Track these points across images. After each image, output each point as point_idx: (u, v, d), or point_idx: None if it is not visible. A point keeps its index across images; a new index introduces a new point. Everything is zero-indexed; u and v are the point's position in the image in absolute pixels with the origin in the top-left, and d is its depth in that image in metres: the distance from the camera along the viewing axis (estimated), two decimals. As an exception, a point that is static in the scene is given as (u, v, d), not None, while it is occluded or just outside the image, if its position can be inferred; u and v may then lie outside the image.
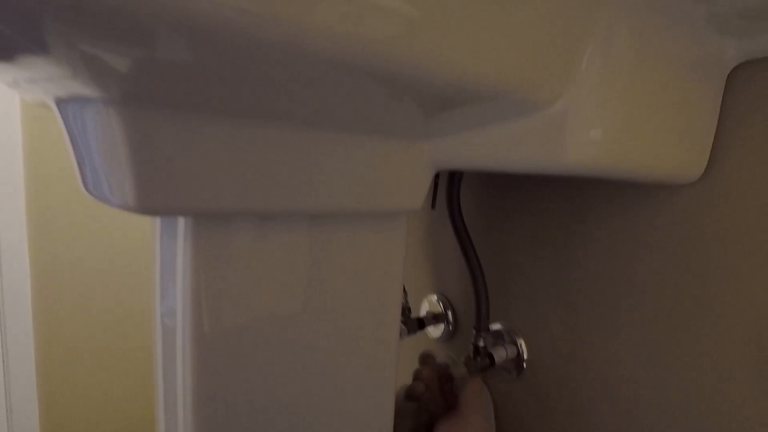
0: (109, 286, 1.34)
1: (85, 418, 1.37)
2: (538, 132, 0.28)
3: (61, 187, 1.24)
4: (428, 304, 0.68)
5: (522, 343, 0.55)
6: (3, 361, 1.18)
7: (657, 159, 0.33)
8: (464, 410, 0.43)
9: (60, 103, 0.28)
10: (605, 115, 0.29)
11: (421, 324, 0.64)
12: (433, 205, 0.56)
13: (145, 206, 0.24)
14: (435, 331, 0.67)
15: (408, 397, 0.45)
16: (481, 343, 0.52)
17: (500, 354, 0.54)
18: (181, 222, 0.29)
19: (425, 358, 0.50)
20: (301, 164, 0.28)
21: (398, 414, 0.49)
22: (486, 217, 0.58)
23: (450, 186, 0.52)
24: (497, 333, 0.57)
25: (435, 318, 0.65)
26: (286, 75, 0.21)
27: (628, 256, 0.44)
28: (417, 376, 0.47)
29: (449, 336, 0.65)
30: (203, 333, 0.30)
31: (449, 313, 0.65)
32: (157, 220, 0.35)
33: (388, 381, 0.40)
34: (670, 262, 0.41)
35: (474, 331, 0.53)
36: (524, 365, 0.54)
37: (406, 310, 0.63)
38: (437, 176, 0.55)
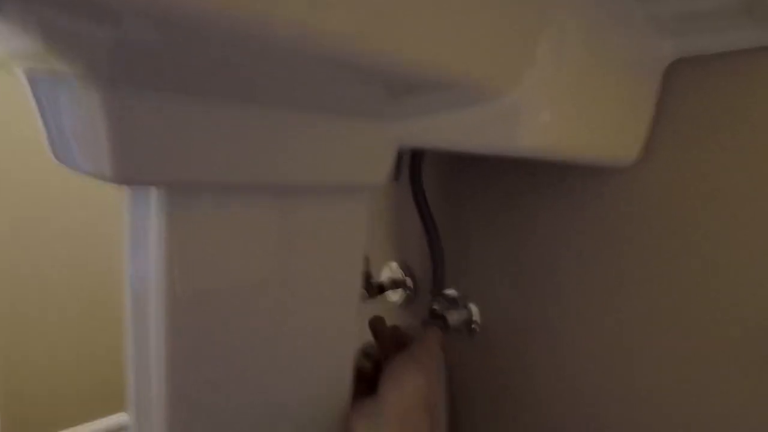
0: (68, 252, 1.30)
1: (46, 385, 1.35)
2: (493, 119, 0.31)
3: (18, 151, 1.18)
4: (389, 270, 0.71)
5: (474, 307, 0.59)
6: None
7: (598, 145, 0.37)
8: (417, 351, 0.44)
9: (29, 72, 0.28)
10: (554, 104, 0.32)
11: (381, 289, 0.68)
12: (396, 177, 0.58)
13: (121, 176, 0.25)
14: (394, 295, 0.71)
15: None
16: (436, 307, 0.57)
17: (453, 317, 0.59)
18: (154, 191, 0.30)
19: (375, 322, 0.51)
20: (271, 141, 0.30)
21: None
22: (446, 189, 0.61)
23: (413, 160, 0.54)
24: (451, 298, 0.61)
25: (395, 284, 0.69)
26: (253, 61, 0.22)
27: (571, 232, 0.48)
28: (374, 334, 0.50)
29: (408, 301, 0.70)
30: (175, 298, 0.32)
31: (408, 279, 0.69)
32: (127, 188, 0.36)
33: (349, 341, 0.44)
34: (608, 237, 0.46)
35: (430, 296, 0.57)
36: (476, 328, 0.59)
37: (367, 276, 0.66)
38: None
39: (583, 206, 0.47)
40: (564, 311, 0.50)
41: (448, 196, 0.61)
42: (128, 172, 0.25)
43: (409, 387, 0.39)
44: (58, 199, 1.27)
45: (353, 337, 0.43)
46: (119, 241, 0.39)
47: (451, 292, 0.61)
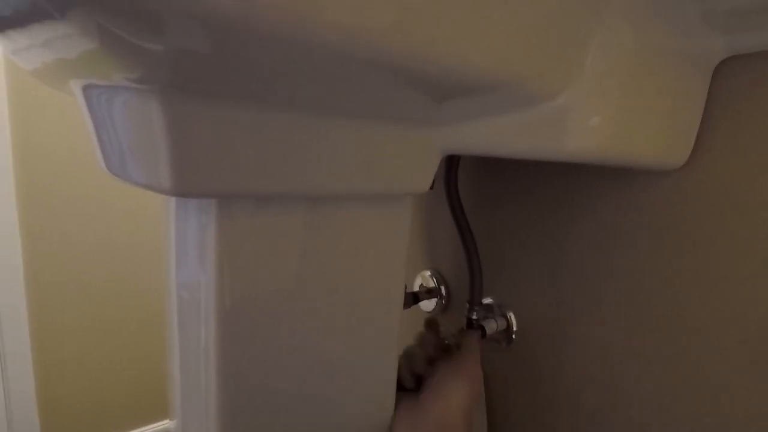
0: (101, 259, 1.33)
1: (85, 395, 1.38)
2: (541, 122, 0.30)
3: (51, 159, 1.22)
4: (422, 279, 0.71)
5: (512, 316, 0.58)
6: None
7: (646, 147, 0.36)
8: (462, 356, 0.44)
9: (86, 83, 0.28)
10: (604, 106, 0.31)
11: (415, 298, 0.67)
12: (431, 185, 0.58)
13: (180, 189, 0.25)
14: (428, 305, 0.70)
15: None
16: (474, 316, 0.56)
17: (491, 326, 0.57)
18: (205, 201, 0.31)
19: (430, 324, 0.52)
20: (320, 149, 0.30)
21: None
22: (480, 196, 0.60)
23: (448, 167, 0.54)
24: (488, 306, 0.60)
25: (428, 292, 0.68)
26: (303, 66, 0.22)
27: (611, 238, 0.47)
28: (419, 341, 0.49)
29: (441, 310, 0.69)
30: (225, 304, 0.32)
31: (442, 288, 0.68)
32: (171, 197, 0.36)
33: (392, 347, 0.43)
34: (651, 243, 0.44)
35: (467, 305, 0.56)
36: (513, 336, 0.58)
37: (401, 285, 0.66)
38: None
39: (627, 211, 0.46)
40: (603, 320, 0.49)
41: (483, 202, 0.60)
42: (187, 185, 0.25)
43: (454, 401, 0.39)
44: (96, 209, 1.31)
45: (396, 343, 0.42)
46: (160, 249, 0.40)
47: (487, 300, 0.60)
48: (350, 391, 0.40)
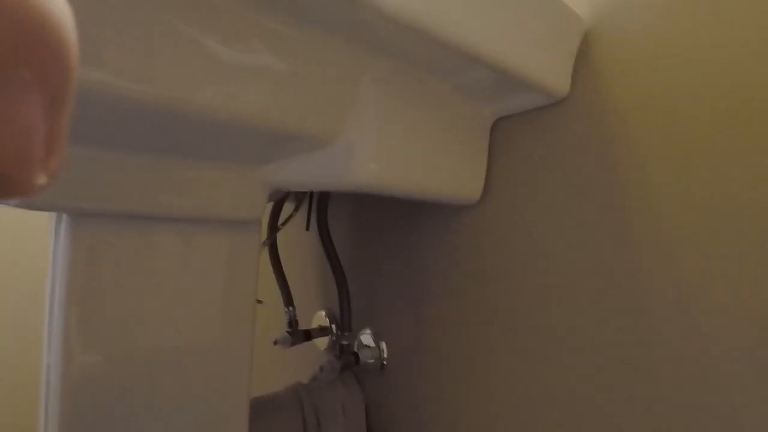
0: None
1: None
2: (331, 160, 0.41)
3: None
4: (318, 318, 0.77)
5: (383, 344, 0.65)
6: None
7: (435, 184, 0.46)
8: None
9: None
10: (381, 149, 0.42)
11: (307, 335, 0.73)
12: (307, 227, 0.67)
13: (24, 201, 0.33)
14: (322, 343, 0.76)
15: None
16: (345, 342, 0.62)
17: (365, 354, 0.64)
18: (64, 220, 0.39)
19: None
20: (155, 179, 0.39)
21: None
22: (353, 234, 0.70)
23: (319, 208, 0.63)
24: (362, 335, 0.67)
25: (321, 330, 0.75)
26: (152, 125, 0.32)
27: (439, 264, 0.56)
28: None
29: (333, 346, 0.75)
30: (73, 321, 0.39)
31: (333, 326, 0.75)
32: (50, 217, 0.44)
33: (243, 385, 0.49)
34: (461, 268, 0.53)
35: (339, 332, 0.63)
36: (384, 362, 0.64)
37: (293, 323, 0.72)
38: (311, 200, 0.67)
39: (442, 240, 0.55)
40: (455, 340, 0.56)
41: (355, 238, 0.69)
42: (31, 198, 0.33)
43: None
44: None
45: (248, 377, 0.48)
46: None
47: (366, 331, 0.67)
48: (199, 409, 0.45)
